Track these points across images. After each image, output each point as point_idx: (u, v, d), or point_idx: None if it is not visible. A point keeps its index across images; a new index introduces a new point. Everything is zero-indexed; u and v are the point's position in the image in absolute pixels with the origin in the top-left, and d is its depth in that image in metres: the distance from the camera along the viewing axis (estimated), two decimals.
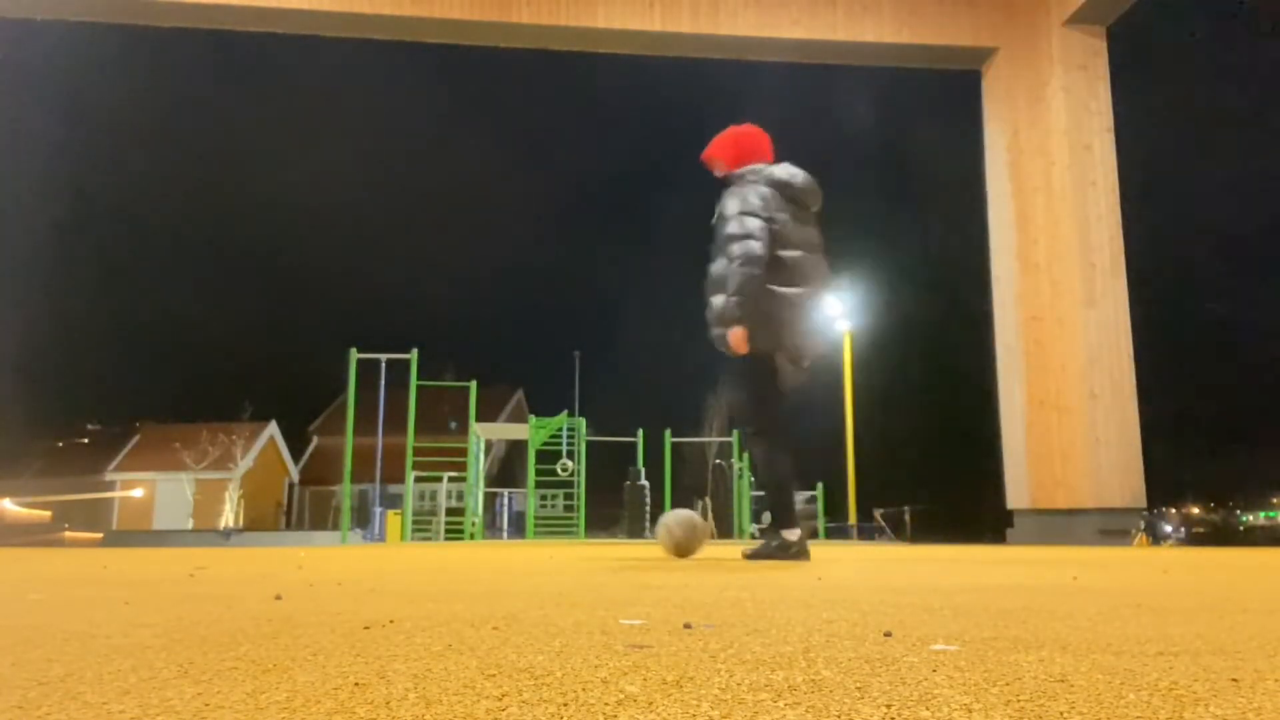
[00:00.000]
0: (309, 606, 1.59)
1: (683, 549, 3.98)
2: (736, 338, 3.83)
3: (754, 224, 3.83)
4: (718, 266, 3.97)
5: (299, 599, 1.76)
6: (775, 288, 3.85)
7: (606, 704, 0.73)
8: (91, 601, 1.73)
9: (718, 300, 3.92)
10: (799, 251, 3.91)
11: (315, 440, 36.24)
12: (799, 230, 3.95)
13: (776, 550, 3.82)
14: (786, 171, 4.02)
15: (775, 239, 3.85)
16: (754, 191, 3.93)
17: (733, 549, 4.82)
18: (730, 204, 3.94)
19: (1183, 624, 1.34)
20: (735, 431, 19.79)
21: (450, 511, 16.09)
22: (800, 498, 19.16)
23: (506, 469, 31.62)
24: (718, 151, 4.17)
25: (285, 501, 34.09)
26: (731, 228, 3.88)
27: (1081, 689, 0.80)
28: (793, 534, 3.85)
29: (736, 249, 3.82)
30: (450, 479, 16.38)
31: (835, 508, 19.49)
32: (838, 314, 20.56)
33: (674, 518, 4.08)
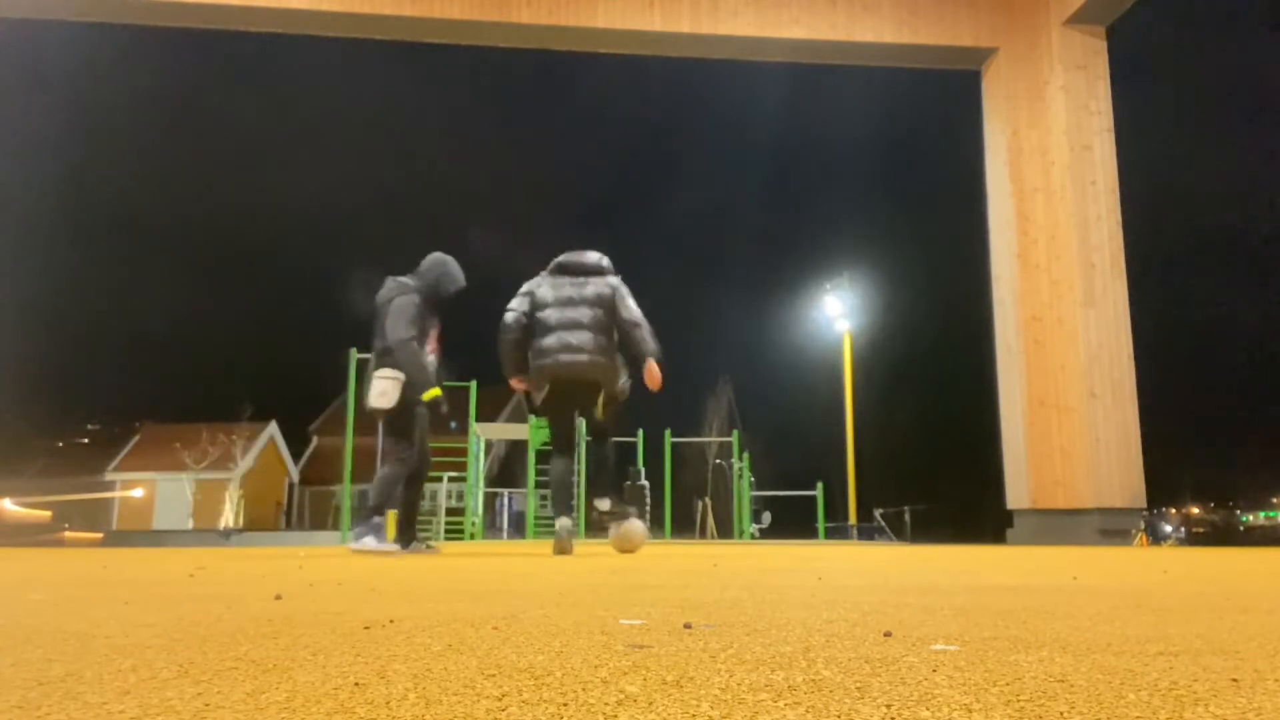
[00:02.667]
0: (309, 606, 1.59)
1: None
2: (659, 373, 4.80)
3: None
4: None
5: (299, 599, 1.76)
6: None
7: (606, 704, 0.73)
8: (91, 601, 1.73)
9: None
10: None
11: (315, 440, 36.22)
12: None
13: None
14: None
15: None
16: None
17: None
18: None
19: (1183, 624, 1.34)
20: (735, 432, 19.80)
21: (450, 511, 16.07)
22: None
23: (506, 469, 31.60)
24: None
25: (285, 501, 34.08)
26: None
27: (1081, 689, 0.80)
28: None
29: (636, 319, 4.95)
30: (450, 479, 16.36)
31: (835, 508, 19.46)
32: (838, 314, 20.55)
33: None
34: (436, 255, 5.11)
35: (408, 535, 4.96)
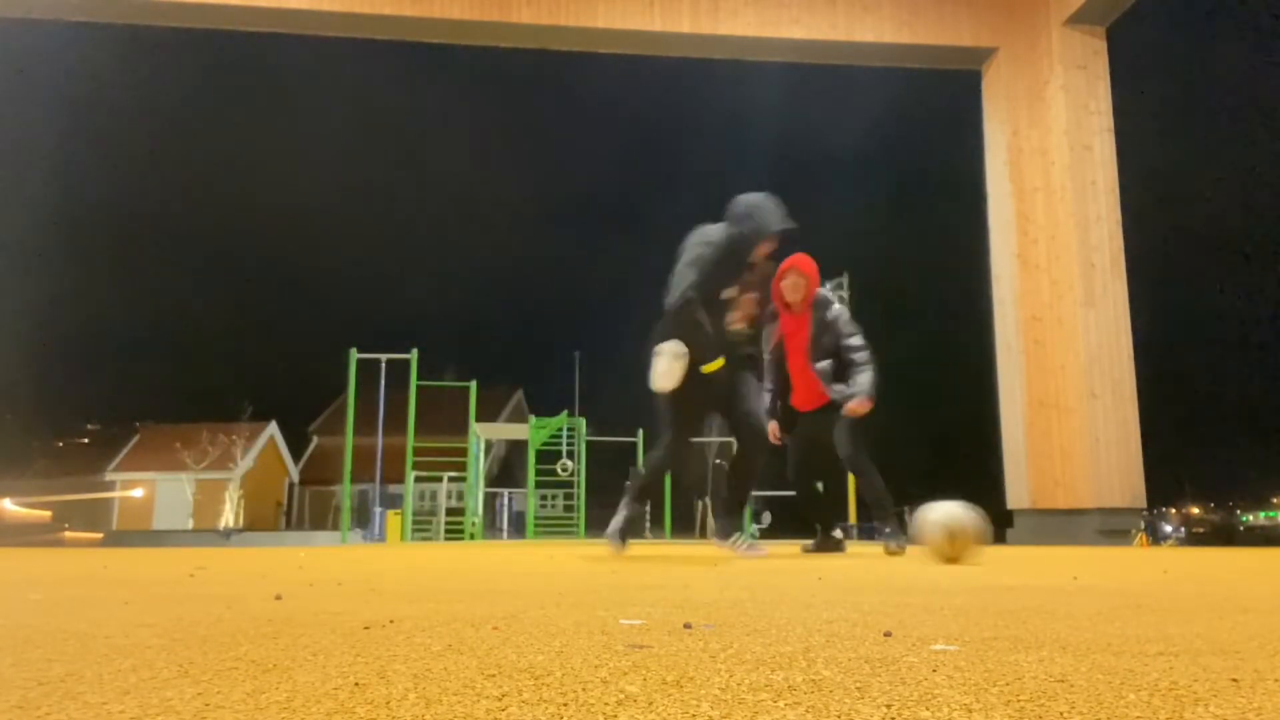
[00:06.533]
0: (309, 606, 1.59)
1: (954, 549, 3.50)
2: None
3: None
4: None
5: (299, 599, 1.76)
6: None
7: (606, 704, 0.73)
8: (91, 601, 1.73)
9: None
10: None
11: (315, 440, 36.20)
12: None
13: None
14: None
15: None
16: None
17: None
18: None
19: (1183, 624, 1.34)
20: None
21: (450, 511, 16.09)
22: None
23: (506, 469, 31.61)
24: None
25: (285, 501, 34.07)
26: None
27: (1081, 689, 0.80)
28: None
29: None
30: (450, 479, 16.38)
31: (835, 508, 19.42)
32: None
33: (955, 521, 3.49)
34: (750, 197, 4.26)
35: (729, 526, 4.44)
